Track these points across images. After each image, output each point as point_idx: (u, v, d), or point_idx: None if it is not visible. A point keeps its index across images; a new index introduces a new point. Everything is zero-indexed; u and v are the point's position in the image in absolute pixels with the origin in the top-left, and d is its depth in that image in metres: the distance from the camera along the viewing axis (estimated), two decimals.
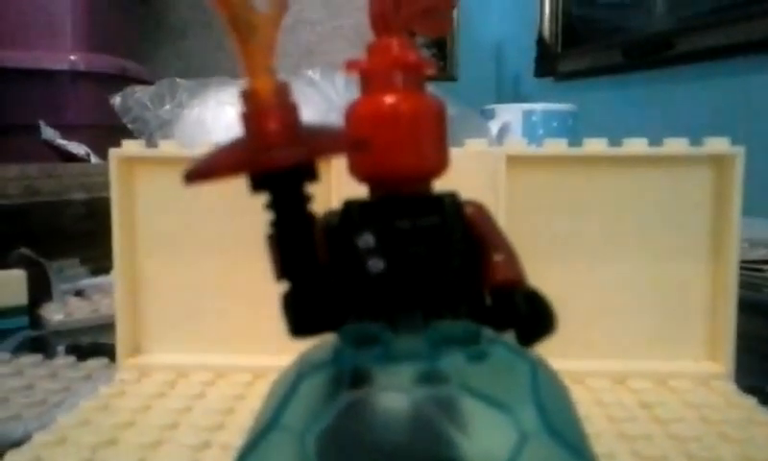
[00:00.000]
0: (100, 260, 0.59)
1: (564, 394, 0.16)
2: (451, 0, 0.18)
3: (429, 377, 0.15)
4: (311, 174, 0.15)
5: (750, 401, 0.31)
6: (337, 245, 0.16)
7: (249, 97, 0.14)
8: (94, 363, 0.38)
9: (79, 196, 0.65)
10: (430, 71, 0.17)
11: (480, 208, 0.18)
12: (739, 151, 0.33)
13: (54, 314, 0.48)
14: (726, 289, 0.33)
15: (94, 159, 0.85)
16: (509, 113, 0.98)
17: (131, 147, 0.35)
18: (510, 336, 0.16)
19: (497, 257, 0.17)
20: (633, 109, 1.46)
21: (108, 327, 0.40)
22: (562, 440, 0.14)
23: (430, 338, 0.16)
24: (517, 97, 1.88)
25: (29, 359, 0.38)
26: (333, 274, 0.16)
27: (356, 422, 0.14)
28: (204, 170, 0.14)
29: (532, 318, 0.16)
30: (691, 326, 0.34)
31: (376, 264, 0.16)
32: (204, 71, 0.90)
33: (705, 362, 0.34)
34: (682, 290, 0.34)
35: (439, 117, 0.17)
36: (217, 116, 0.78)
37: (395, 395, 0.15)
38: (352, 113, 0.17)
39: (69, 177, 0.67)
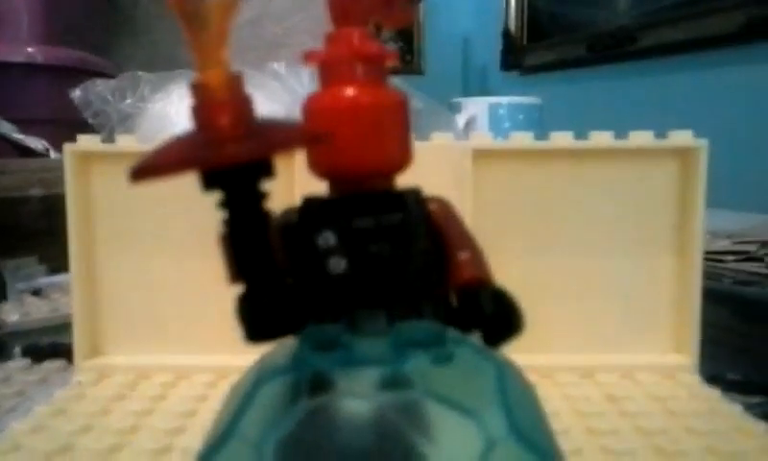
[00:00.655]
0: (59, 258, 0.57)
1: (531, 394, 0.16)
2: None
3: (393, 382, 0.14)
4: (266, 170, 0.14)
5: (714, 393, 0.31)
6: (296, 244, 0.16)
7: (199, 89, 0.14)
8: (50, 365, 0.36)
9: (37, 192, 0.63)
10: (392, 62, 0.17)
11: (444, 205, 0.17)
12: (703, 144, 0.33)
13: (10, 314, 0.47)
14: (691, 281, 0.33)
15: (53, 154, 0.82)
16: (475, 107, 0.98)
17: (86, 142, 0.34)
18: (476, 337, 0.16)
19: (462, 256, 0.16)
20: (598, 102, 1.47)
21: (66, 326, 0.39)
22: (529, 444, 0.13)
23: (394, 340, 0.15)
24: (484, 90, 1.89)
25: None
26: (291, 274, 0.15)
27: (317, 430, 0.14)
28: (152, 167, 0.13)
29: (498, 318, 0.16)
30: (657, 318, 0.34)
31: (337, 264, 0.15)
32: (167, 64, 0.88)
33: (671, 354, 0.34)
34: (648, 283, 0.34)
35: (401, 110, 0.16)
36: (180, 110, 0.76)
37: (357, 401, 0.14)
38: (311, 106, 0.16)
39: (27, 172, 0.65)
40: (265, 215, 0.15)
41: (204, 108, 0.13)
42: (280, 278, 0.15)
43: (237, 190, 0.14)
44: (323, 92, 0.16)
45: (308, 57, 0.16)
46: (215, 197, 0.15)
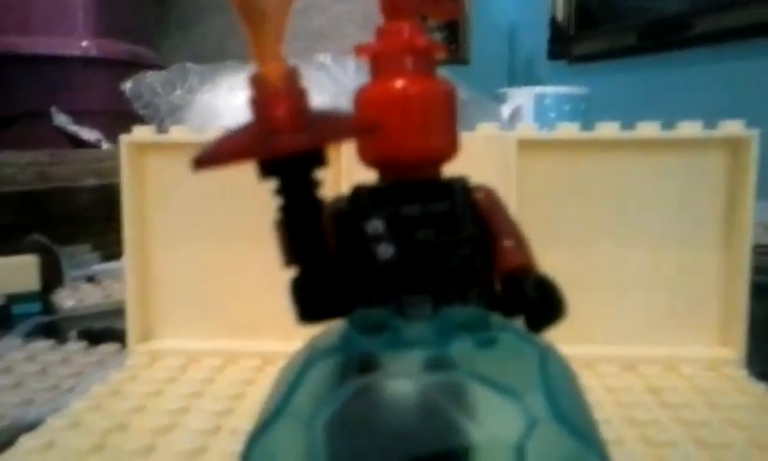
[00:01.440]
0: (111, 246, 0.59)
1: (573, 380, 0.16)
2: None
3: (437, 364, 0.15)
4: (320, 159, 0.15)
5: (760, 388, 0.31)
6: (346, 230, 0.16)
7: (258, 82, 0.14)
8: (106, 348, 0.38)
9: (90, 182, 0.66)
10: (441, 55, 0.17)
11: (490, 193, 0.17)
12: (754, 134, 0.32)
13: (66, 300, 0.49)
14: (738, 274, 0.33)
15: (105, 145, 0.85)
16: (521, 97, 0.97)
17: (141, 133, 0.35)
18: (519, 322, 0.16)
19: (507, 243, 0.17)
20: (647, 92, 1.44)
21: (119, 312, 0.40)
22: (570, 426, 0.14)
23: (439, 324, 0.15)
24: (530, 80, 1.87)
25: (41, 344, 0.39)
26: (342, 259, 0.16)
27: (364, 408, 0.14)
28: (212, 156, 0.14)
29: (541, 304, 0.16)
30: (703, 310, 0.34)
31: (386, 250, 0.16)
32: (215, 56, 0.90)
33: (716, 348, 0.34)
34: (694, 274, 0.34)
35: (449, 101, 0.17)
36: (228, 102, 0.78)
37: (403, 381, 0.15)
38: (362, 97, 0.17)
39: (81, 163, 0.67)
40: (318, 202, 0.15)
41: (262, 100, 0.14)
42: (332, 262, 0.16)
43: (293, 179, 0.15)
44: (373, 84, 0.17)
45: (359, 50, 0.17)
46: (270, 184, 0.15)
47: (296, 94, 0.14)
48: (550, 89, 0.99)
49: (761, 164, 0.32)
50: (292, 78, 0.14)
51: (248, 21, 0.14)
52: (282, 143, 0.14)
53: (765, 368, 0.33)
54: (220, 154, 0.14)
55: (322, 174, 0.15)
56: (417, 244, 0.16)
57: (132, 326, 0.35)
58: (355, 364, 0.15)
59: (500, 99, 0.98)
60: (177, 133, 0.35)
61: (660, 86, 1.42)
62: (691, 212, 0.34)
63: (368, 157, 0.17)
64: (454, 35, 1.91)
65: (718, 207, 0.34)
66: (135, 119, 0.78)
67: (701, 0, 1.33)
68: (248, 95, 0.14)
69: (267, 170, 0.15)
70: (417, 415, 0.14)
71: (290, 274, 0.16)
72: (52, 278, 0.52)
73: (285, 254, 0.16)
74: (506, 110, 0.93)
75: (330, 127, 0.15)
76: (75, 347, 0.38)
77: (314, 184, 0.15)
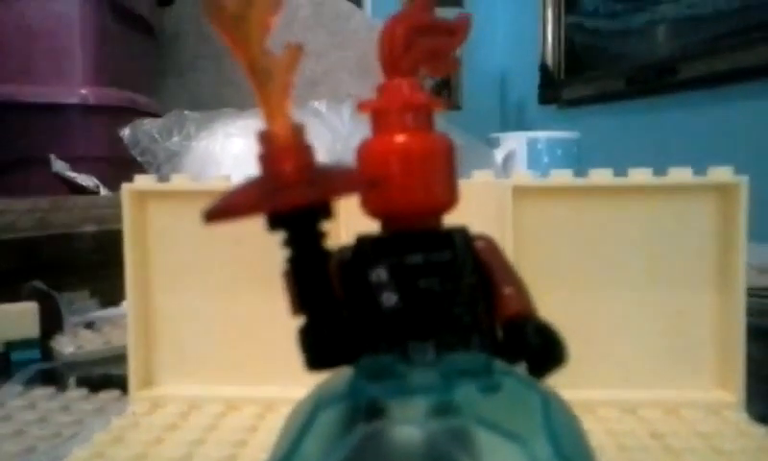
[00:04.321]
0: (109, 292, 0.59)
1: (576, 424, 0.17)
2: (458, 42, 0.19)
3: (443, 409, 0.15)
4: (326, 212, 0.15)
5: (761, 431, 0.31)
6: (351, 279, 0.17)
7: (266, 139, 0.15)
8: (106, 395, 0.38)
9: (89, 228, 0.66)
10: (439, 109, 0.18)
11: (489, 242, 0.18)
12: (743, 179, 0.33)
13: (65, 346, 0.49)
14: (734, 317, 0.33)
15: (103, 191, 0.86)
16: (514, 141, 0.99)
17: (143, 181, 0.36)
18: (521, 368, 0.17)
19: (507, 290, 0.17)
20: (637, 135, 1.47)
21: (118, 358, 0.41)
22: None
23: (443, 370, 0.16)
24: (522, 125, 1.89)
25: (41, 392, 0.39)
26: (348, 308, 0.16)
27: (372, 454, 0.15)
28: (223, 209, 0.14)
29: (543, 350, 0.17)
30: (701, 354, 0.34)
31: (389, 298, 0.16)
32: (212, 104, 0.91)
33: (715, 391, 0.34)
34: (690, 319, 0.34)
35: (448, 154, 0.17)
36: (225, 148, 0.79)
37: (409, 427, 0.15)
38: (364, 152, 0.17)
39: (80, 209, 0.68)
40: (325, 253, 0.16)
41: (270, 156, 0.15)
42: (339, 311, 0.16)
43: (300, 231, 0.15)
44: (375, 139, 0.17)
45: (361, 106, 0.18)
46: (271, 234, 0.16)
47: (303, 149, 0.15)
48: (542, 134, 1.00)
49: (752, 208, 0.33)
50: (299, 134, 0.15)
51: (255, 79, 0.15)
52: (291, 197, 0.14)
53: (764, 410, 0.33)
54: (231, 207, 0.14)
55: (327, 225, 0.16)
56: (420, 292, 0.17)
57: (133, 372, 0.35)
58: (362, 411, 0.15)
59: (493, 143, 0.99)
60: (178, 180, 0.36)
61: (648, 130, 1.45)
62: (685, 256, 0.34)
63: (371, 209, 0.18)
64: (446, 81, 1.94)
65: (712, 252, 0.34)
66: (133, 166, 0.79)
67: (686, 46, 1.37)
68: (256, 151, 0.15)
69: (275, 223, 0.15)
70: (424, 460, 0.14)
71: (297, 322, 0.16)
72: (51, 324, 0.52)
73: (293, 304, 0.16)
74: (499, 155, 0.94)
75: (336, 181, 0.15)
76: (75, 394, 0.38)
77: (321, 236, 0.16)
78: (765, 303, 0.58)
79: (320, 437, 0.15)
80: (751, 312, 0.33)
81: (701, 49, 1.32)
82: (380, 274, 0.17)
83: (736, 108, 1.24)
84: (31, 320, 0.48)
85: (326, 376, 0.17)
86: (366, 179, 0.16)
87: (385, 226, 0.18)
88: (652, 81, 1.45)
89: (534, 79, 1.88)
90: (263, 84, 0.15)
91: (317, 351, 0.16)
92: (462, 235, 0.17)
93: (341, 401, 0.16)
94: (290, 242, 0.16)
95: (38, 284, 0.54)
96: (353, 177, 0.16)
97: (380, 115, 0.17)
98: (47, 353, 0.49)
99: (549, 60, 1.85)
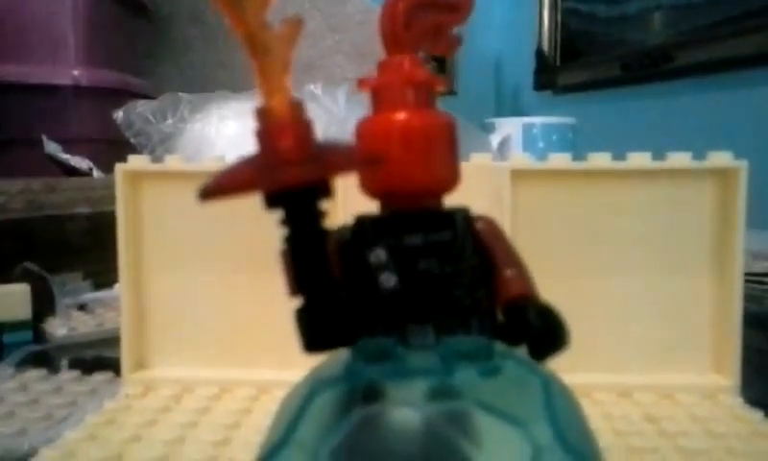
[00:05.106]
0: (102, 274, 0.59)
1: (577, 408, 0.16)
2: (460, 18, 0.18)
3: (442, 393, 0.15)
4: (325, 191, 0.15)
5: (756, 415, 0.31)
6: (349, 260, 0.16)
7: (264, 115, 0.15)
8: (99, 377, 0.38)
9: (82, 210, 0.65)
10: (441, 88, 0.17)
11: (491, 223, 0.18)
12: (743, 164, 0.33)
13: (58, 328, 0.48)
14: (731, 302, 0.33)
15: (97, 173, 0.85)
16: (509, 127, 0.99)
17: (137, 161, 0.35)
18: (522, 351, 0.17)
19: (509, 272, 0.17)
20: (632, 122, 1.46)
21: (111, 341, 0.40)
22: (576, 453, 0.14)
23: (442, 353, 0.16)
24: (517, 110, 1.89)
25: (33, 374, 0.38)
26: (346, 289, 0.16)
27: (369, 437, 0.14)
28: (219, 187, 0.14)
29: (544, 333, 0.16)
30: (697, 339, 0.34)
31: (388, 279, 0.16)
32: (206, 86, 0.91)
33: (711, 375, 0.34)
34: (687, 303, 0.34)
35: (450, 133, 0.17)
36: (219, 130, 0.78)
37: (407, 410, 0.15)
38: (364, 130, 0.17)
39: (72, 191, 0.67)
40: (323, 233, 0.15)
41: (268, 132, 0.14)
42: (337, 292, 0.16)
43: (298, 210, 0.15)
44: (375, 116, 0.17)
45: (361, 83, 0.17)
46: (267, 214, 0.15)
47: (302, 126, 0.15)
48: (538, 119, 1.00)
49: (749, 195, 0.33)
50: (298, 110, 0.15)
51: (253, 54, 0.15)
52: (289, 175, 0.14)
53: (759, 396, 0.33)
54: (227, 185, 0.14)
55: (326, 204, 0.16)
56: (419, 274, 0.16)
57: (126, 354, 0.35)
58: (360, 393, 0.15)
59: (489, 129, 0.99)
60: (172, 162, 0.35)
61: (643, 116, 1.45)
62: (683, 241, 0.34)
63: (370, 188, 0.17)
64: (442, 66, 1.93)
65: (709, 237, 0.34)
66: (126, 148, 0.78)
67: (682, 33, 1.36)
68: (254, 127, 0.15)
69: (273, 201, 0.15)
70: (422, 444, 0.14)
71: (294, 303, 0.16)
72: (43, 306, 0.51)
73: (290, 284, 0.16)
74: (495, 140, 0.94)
75: (336, 159, 0.15)
76: (68, 376, 0.38)
77: (319, 215, 0.15)
78: (759, 289, 0.58)
79: (316, 420, 0.15)
80: (745, 298, 0.33)
81: (697, 36, 1.32)
82: (379, 254, 0.16)
83: (732, 95, 1.24)
84: (23, 302, 0.48)
85: (323, 358, 0.17)
86: (366, 157, 0.16)
87: (384, 205, 0.17)
88: (648, 67, 1.45)
89: (529, 64, 1.87)
90: (262, 58, 0.14)
91: (314, 332, 0.16)
92: (463, 216, 0.17)
93: (338, 384, 0.16)
94: (288, 221, 0.15)
95: (31, 266, 0.53)
96: (353, 154, 0.15)
97: (381, 92, 0.17)
98: (39, 335, 0.48)
99: (545, 46, 1.84)
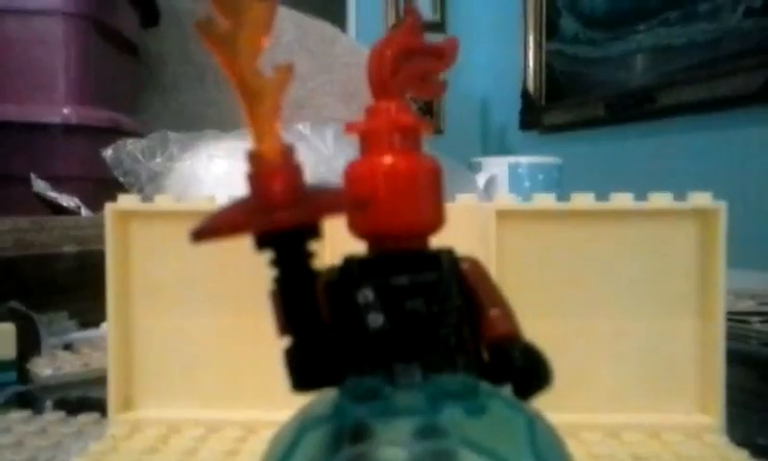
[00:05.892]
0: (89, 313, 0.58)
1: (562, 446, 0.17)
2: (445, 65, 0.19)
3: (428, 431, 0.15)
4: (314, 233, 0.16)
5: (741, 455, 0.31)
6: (337, 300, 0.17)
7: (255, 159, 0.15)
8: (85, 418, 0.37)
9: (69, 249, 0.65)
10: (426, 132, 0.18)
11: (476, 264, 0.18)
12: (722, 205, 0.33)
13: (43, 368, 0.48)
14: (714, 341, 0.34)
15: (85, 212, 0.85)
16: (495, 166, 1.00)
17: (126, 201, 0.35)
18: (507, 390, 0.17)
19: (493, 312, 0.17)
20: (616, 161, 1.49)
21: (97, 381, 0.40)
22: None
23: (429, 392, 0.16)
24: (503, 150, 1.91)
25: (17, 415, 0.38)
26: (334, 328, 0.16)
27: None
28: (211, 229, 0.14)
29: (528, 371, 0.17)
30: (681, 378, 0.35)
31: (375, 319, 0.16)
32: (195, 125, 0.91)
33: (696, 415, 0.34)
34: (670, 342, 0.35)
35: (435, 176, 0.18)
36: (208, 169, 0.79)
37: (395, 449, 0.15)
38: (352, 173, 0.17)
39: (60, 229, 0.67)
40: (312, 273, 0.16)
41: (258, 176, 0.15)
42: (325, 332, 0.16)
43: (288, 251, 0.15)
44: (363, 160, 0.17)
45: (349, 128, 0.18)
46: (254, 255, 0.16)
47: (291, 170, 0.15)
48: (524, 159, 1.01)
49: (729, 234, 0.33)
50: (288, 154, 0.15)
51: (245, 99, 0.15)
52: (279, 218, 0.14)
53: (744, 434, 0.34)
54: (219, 227, 0.14)
55: (314, 246, 0.16)
56: (406, 313, 0.17)
57: (113, 394, 0.35)
58: (348, 432, 0.15)
59: (475, 168, 1.00)
60: (161, 201, 0.36)
61: (627, 156, 1.47)
62: (666, 281, 0.35)
63: (358, 230, 0.18)
64: (429, 106, 1.96)
65: (691, 276, 0.35)
66: (115, 186, 0.78)
67: (663, 75, 1.39)
68: (245, 170, 0.15)
69: (263, 242, 0.15)
70: None
71: (283, 343, 0.16)
72: (29, 346, 0.51)
73: (279, 324, 0.16)
74: (481, 179, 0.95)
75: (324, 202, 0.15)
76: (52, 417, 0.38)
77: (308, 256, 0.16)
78: (742, 328, 0.59)
79: (305, 459, 0.15)
80: (728, 336, 0.34)
81: (676, 78, 1.35)
82: (366, 294, 0.17)
83: (713, 136, 1.26)
84: (8, 341, 0.47)
85: (311, 397, 0.17)
86: (354, 200, 0.16)
87: (372, 246, 0.18)
88: (631, 108, 1.47)
89: (515, 104, 1.90)
90: (253, 104, 0.15)
91: (302, 372, 0.16)
92: (448, 257, 0.17)
93: (326, 423, 0.16)
94: (277, 262, 0.16)
95: (16, 305, 0.53)
96: (341, 198, 0.16)
97: (368, 137, 0.18)
98: (24, 376, 0.48)
99: (530, 86, 1.88)
